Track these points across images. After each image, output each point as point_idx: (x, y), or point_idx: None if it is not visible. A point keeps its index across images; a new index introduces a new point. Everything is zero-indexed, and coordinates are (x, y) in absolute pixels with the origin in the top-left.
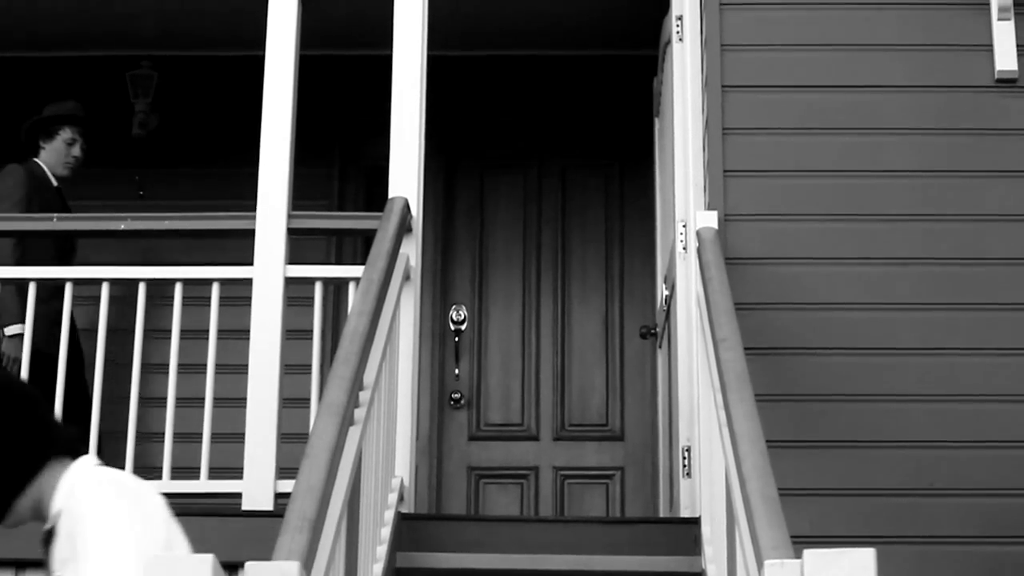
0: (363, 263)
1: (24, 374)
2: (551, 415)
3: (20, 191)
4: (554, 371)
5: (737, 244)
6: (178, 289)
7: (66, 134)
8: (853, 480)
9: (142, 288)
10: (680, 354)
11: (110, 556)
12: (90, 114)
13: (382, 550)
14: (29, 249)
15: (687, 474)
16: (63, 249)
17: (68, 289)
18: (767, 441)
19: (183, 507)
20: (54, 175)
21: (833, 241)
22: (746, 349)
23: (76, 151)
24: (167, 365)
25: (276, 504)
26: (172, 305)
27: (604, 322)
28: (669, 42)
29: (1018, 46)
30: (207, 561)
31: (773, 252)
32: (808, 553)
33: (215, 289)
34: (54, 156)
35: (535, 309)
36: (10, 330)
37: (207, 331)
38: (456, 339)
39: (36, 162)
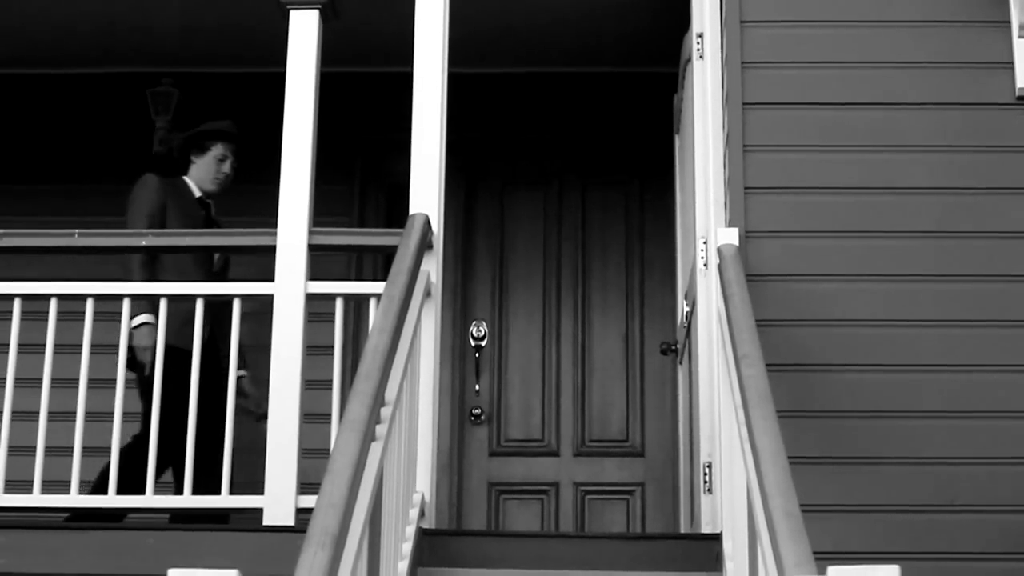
0: (384, 279)
1: (158, 365)
2: (571, 431)
3: (153, 200)
4: (574, 387)
5: (758, 261)
6: (199, 305)
7: (217, 150)
8: (875, 496)
9: (163, 304)
10: (701, 370)
11: None
12: (110, 131)
13: (403, 566)
14: (165, 268)
15: (708, 490)
16: (205, 266)
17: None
18: (789, 457)
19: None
20: (202, 190)
21: (854, 258)
22: (767, 366)
23: (226, 167)
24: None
25: (297, 519)
26: (194, 320)
27: (624, 338)
28: (689, 59)
29: None
30: None
31: (794, 269)
32: (832, 570)
33: (236, 305)
34: (203, 171)
35: (555, 325)
36: (136, 320)
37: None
38: (476, 355)
39: (183, 178)
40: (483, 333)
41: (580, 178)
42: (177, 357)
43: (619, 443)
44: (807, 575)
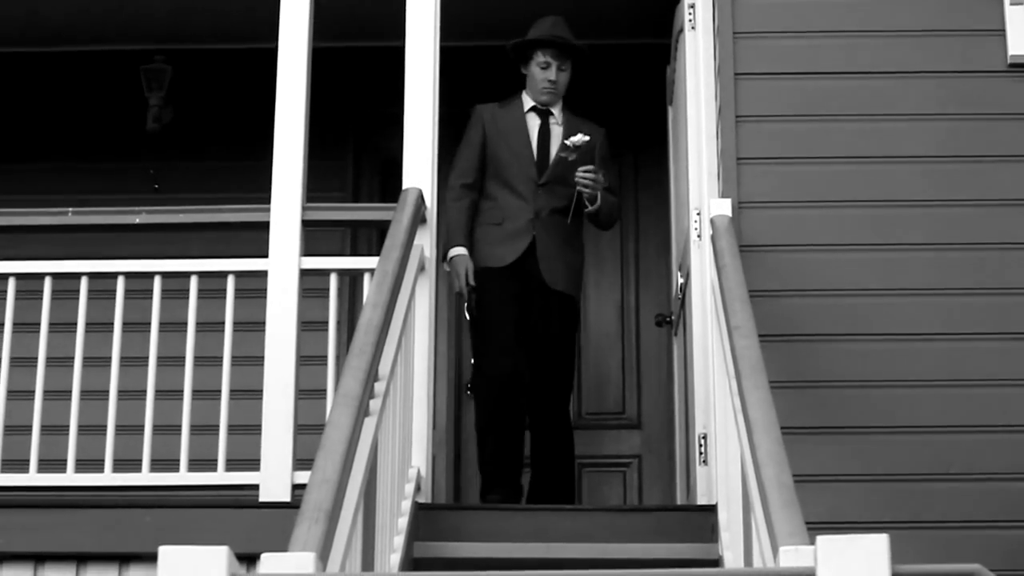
0: (378, 254)
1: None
2: None
3: (471, 133)
4: None
5: (751, 231)
6: (194, 282)
7: (539, 58)
8: (869, 466)
9: (158, 281)
10: (695, 342)
11: None
12: (104, 109)
13: (399, 540)
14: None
15: (703, 461)
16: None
17: None
18: (782, 428)
19: (200, 499)
20: (537, 102)
21: (847, 227)
22: (760, 336)
23: (551, 74)
24: (183, 358)
25: (293, 495)
26: (188, 298)
27: (620, 310)
28: (682, 30)
29: None
30: (221, 553)
31: (787, 239)
32: (821, 539)
33: (231, 281)
34: (531, 83)
35: None
36: (450, 253)
37: (223, 323)
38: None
39: (521, 94)
40: None
41: None
42: (489, 275)
43: (615, 415)
44: (799, 545)
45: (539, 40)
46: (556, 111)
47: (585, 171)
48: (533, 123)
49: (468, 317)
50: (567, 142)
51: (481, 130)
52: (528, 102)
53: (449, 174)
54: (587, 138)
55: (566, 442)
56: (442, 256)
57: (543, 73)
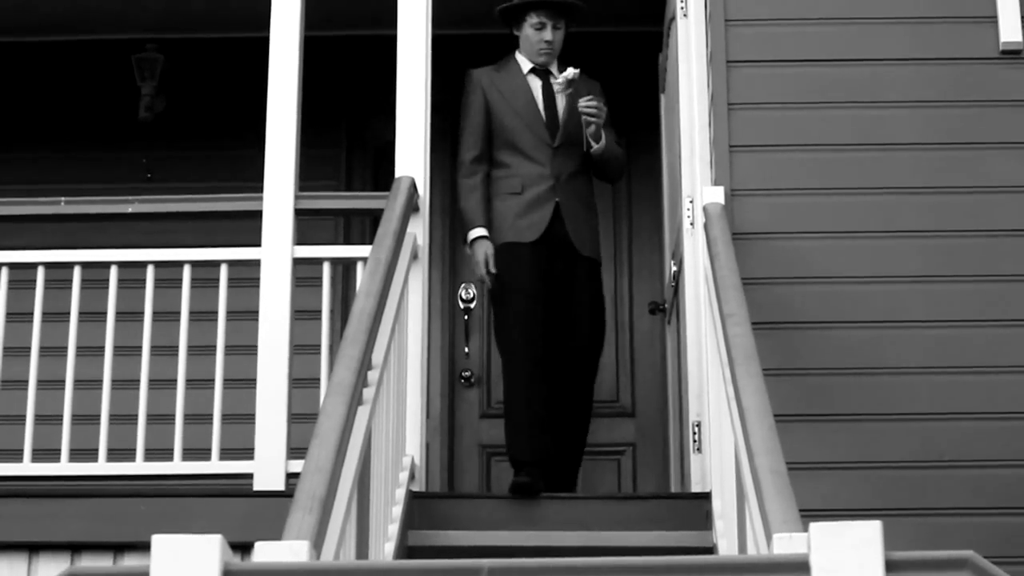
0: (371, 243)
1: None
2: None
3: (470, 100)
4: None
5: (744, 219)
6: (186, 271)
7: (532, 19)
8: (862, 453)
9: (151, 271)
10: (688, 329)
11: None
12: (96, 98)
13: (393, 528)
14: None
15: (697, 449)
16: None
17: None
18: (775, 415)
19: (194, 488)
20: (533, 63)
21: (839, 215)
22: (754, 324)
23: (547, 35)
24: (176, 347)
25: (287, 484)
26: (181, 287)
27: (613, 298)
28: (674, 18)
29: (1022, 18)
30: (215, 541)
31: (780, 227)
32: (814, 526)
33: (223, 270)
34: (526, 45)
35: None
36: (471, 235)
37: (216, 312)
38: (466, 318)
39: (515, 56)
40: (472, 295)
41: None
42: (514, 252)
43: (609, 403)
44: (793, 532)
45: (531, 1)
46: (554, 69)
47: (587, 101)
48: (535, 84)
49: (492, 300)
50: (558, 79)
51: (481, 96)
52: (526, 63)
53: (458, 149)
54: (577, 71)
55: (582, 430)
56: (463, 240)
57: (538, 34)
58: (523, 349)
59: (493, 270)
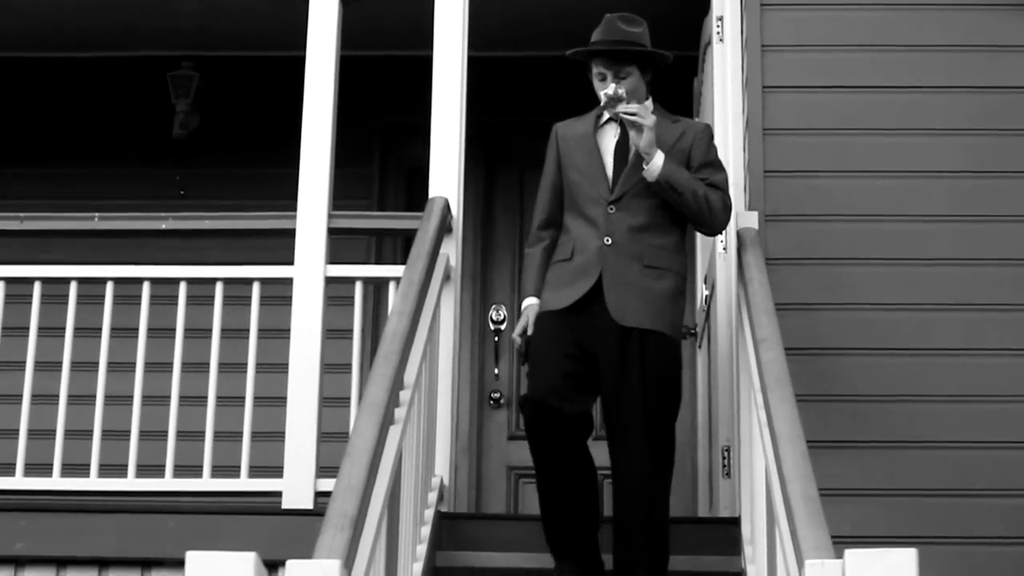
0: (403, 263)
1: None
2: None
3: (547, 157)
4: None
5: (777, 244)
6: (219, 288)
7: (594, 69)
8: (894, 480)
9: (183, 287)
10: (720, 354)
11: None
12: (131, 115)
13: (422, 549)
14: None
15: (727, 474)
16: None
17: None
18: (808, 441)
19: (223, 505)
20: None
21: (873, 241)
22: (786, 349)
23: (608, 88)
24: (207, 364)
25: (316, 503)
26: (213, 304)
27: None
28: (710, 43)
29: None
30: (249, 559)
31: (813, 252)
32: (849, 553)
33: (256, 288)
34: (598, 94)
35: None
36: (524, 302)
37: (248, 330)
38: (496, 339)
39: (592, 113)
40: (503, 317)
41: None
42: (542, 321)
43: None
44: (825, 559)
45: (590, 51)
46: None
47: (627, 107)
48: (610, 134)
49: (524, 364)
50: (604, 92)
51: (555, 153)
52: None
53: None
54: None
55: (646, 528)
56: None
57: (601, 85)
58: (531, 424)
59: (529, 331)
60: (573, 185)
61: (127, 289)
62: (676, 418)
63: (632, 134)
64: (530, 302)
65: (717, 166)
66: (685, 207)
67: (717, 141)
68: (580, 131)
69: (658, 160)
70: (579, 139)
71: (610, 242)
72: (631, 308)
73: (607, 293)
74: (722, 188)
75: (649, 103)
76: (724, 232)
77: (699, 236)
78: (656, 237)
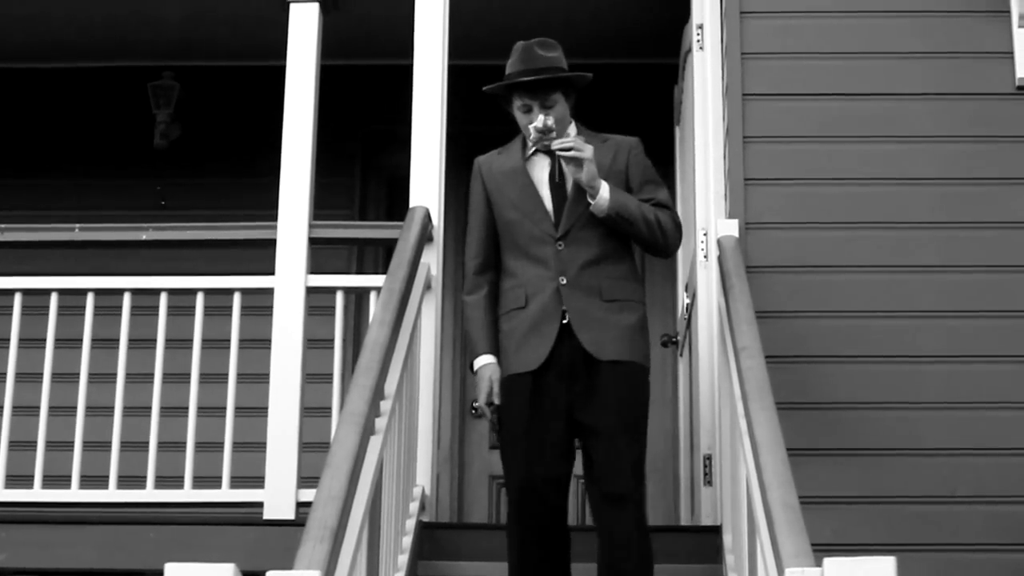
0: (384, 272)
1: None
2: None
3: (472, 194)
4: None
5: (758, 252)
6: (200, 299)
7: (516, 101)
8: (875, 488)
9: (164, 298)
10: (701, 362)
11: None
12: (111, 125)
13: (403, 559)
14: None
15: (708, 482)
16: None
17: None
18: (788, 449)
19: (204, 516)
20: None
21: (854, 249)
22: (767, 357)
23: (538, 122)
24: (188, 374)
25: (298, 513)
26: (194, 315)
27: None
28: (690, 50)
29: None
30: (228, 570)
31: (794, 260)
32: (828, 561)
33: (237, 299)
34: (521, 128)
35: None
36: (476, 363)
37: (229, 341)
38: None
39: (521, 135)
40: None
41: None
42: (515, 387)
43: None
44: (804, 567)
45: (508, 84)
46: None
47: (562, 140)
48: (541, 166)
49: (495, 432)
50: (532, 126)
51: (481, 189)
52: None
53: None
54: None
55: (634, 553)
56: (468, 366)
57: (526, 117)
58: (519, 510)
59: (496, 400)
60: (512, 225)
61: (108, 300)
62: (644, 439)
63: (570, 168)
64: (485, 362)
65: (658, 182)
66: (637, 236)
67: (698, 149)
68: (508, 165)
69: (604, 193)
70: (508, 174)
71: (565, 281)
72: (606, 342)
73: (580, 333)
74: (668, 206)
75: (573, 128)
76: (705, 240)
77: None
78: (610, 268)
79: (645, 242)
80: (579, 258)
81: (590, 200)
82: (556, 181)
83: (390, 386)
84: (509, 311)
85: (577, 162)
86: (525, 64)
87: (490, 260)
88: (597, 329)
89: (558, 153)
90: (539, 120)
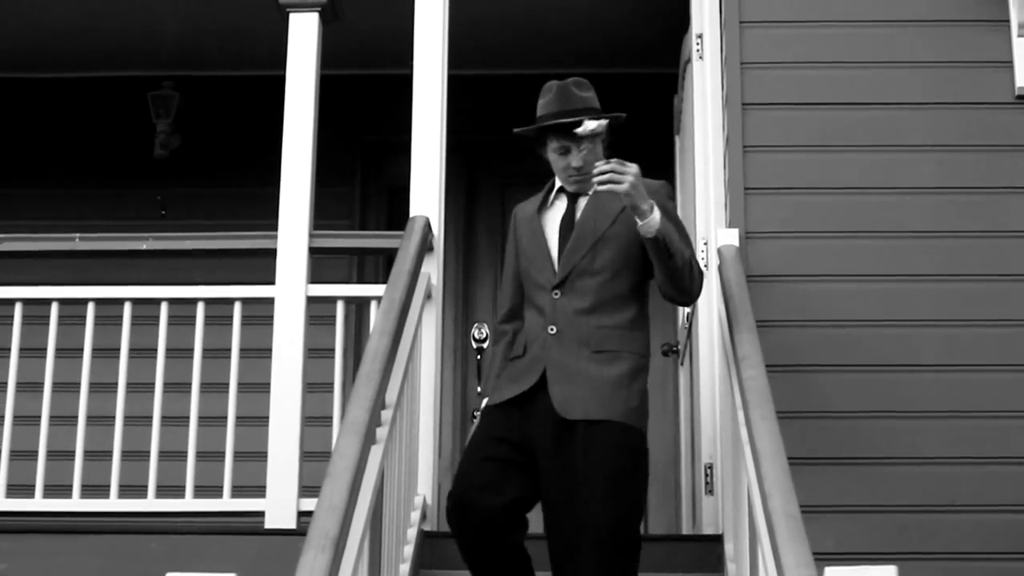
0: (385, 282)
1: None
2: None
3: (508, 248)
4: None
5: (758, 261)
6: (200, 308)
7: (552, 143)
8: (875, 497)
9: (164, 308)
10: (702, 372)
11: None
12: (112, 134)
13: (405, 568)
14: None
15: (709, 491)
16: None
17: None
18: (789, 458)
19: (206, 526)
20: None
21: (854, 258)
22: (768, 366)
23: (574, 160)
24: (189, 384)
25: (299, 522)
26: (195, 324)
27: None
28: (689, 60)
29: None
30: None
31: (794, 269)
32: (830, 570)
33: (237, 308)
34: (554, 168)
35: None
36: (482, 403)
37: (229, 350)
38: (478, 357)
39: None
40: (484, 335)
41: None
42: (488, 414)
43: None
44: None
45: (545, 127)
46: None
47: (600, 173)
48: (557, 210)
49: None
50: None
51: (513, 238)
52: (559, 183)
53: None
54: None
55: None
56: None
57: (563, 160)
58: (449, 520)
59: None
60: (524, 273)
61: (108, 309)
62: (639, 517)
63: (620, 198)
64: (485, 404)
65: (683, 229)
66: (671, 271)
67: (698, 158)
68: (529, 211)
69: (656, 214)
70: (526, 221)
71: (554, 331)
72: (576, 399)
73: (551, 387)
74: (693, 253)
75: (597, 122)
76: (705, 249)
77: None
78: (604, 318)
79: (674, 279)
80: (572, 307)
81: (638, 220)
82: (566, 225)
83: (391, 395)
84: (512, 359)
85: (619, 188)
86: (562, 105)
87: (516, 310)
88: (573, 383)
89: (597, 189)
90: (590, 124)
